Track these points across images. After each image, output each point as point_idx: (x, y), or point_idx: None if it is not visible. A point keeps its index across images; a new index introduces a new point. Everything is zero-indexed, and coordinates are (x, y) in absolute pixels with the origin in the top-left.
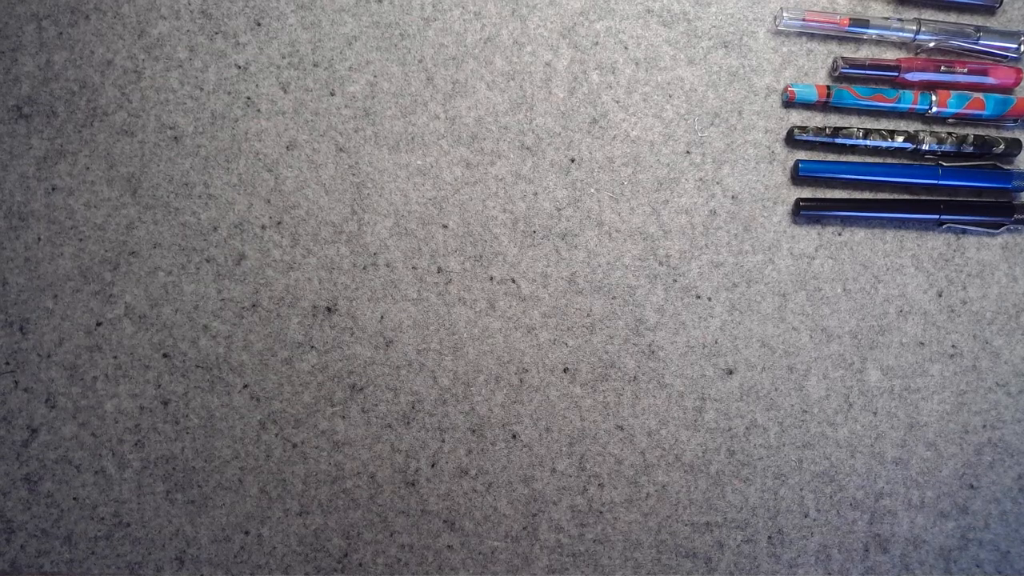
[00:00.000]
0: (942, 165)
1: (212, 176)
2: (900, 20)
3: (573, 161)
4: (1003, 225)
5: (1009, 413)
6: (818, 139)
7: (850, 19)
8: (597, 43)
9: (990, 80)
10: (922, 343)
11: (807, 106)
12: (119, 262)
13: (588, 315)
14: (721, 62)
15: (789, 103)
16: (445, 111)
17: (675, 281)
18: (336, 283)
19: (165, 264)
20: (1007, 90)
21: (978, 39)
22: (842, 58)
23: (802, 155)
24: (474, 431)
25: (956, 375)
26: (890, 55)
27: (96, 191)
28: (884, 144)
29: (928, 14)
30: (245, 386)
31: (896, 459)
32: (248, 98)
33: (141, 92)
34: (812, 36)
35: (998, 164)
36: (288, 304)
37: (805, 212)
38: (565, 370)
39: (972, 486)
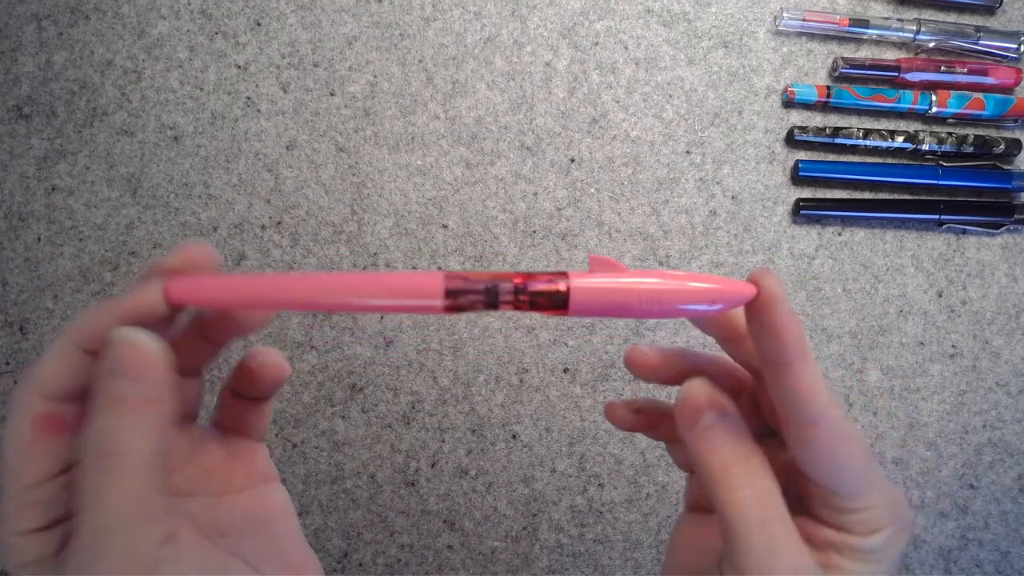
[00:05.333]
0: (942, 165)
1: (212, 176)
2: (900, 20)
3: (573, 161)
4: (1003, 225)
5: (1009, 413)
6: (818, 139)
7: (850, 19)
8: (597, 43)
9: (990, 80)
10: (922, 343)
11: (807, 106)
12: (119, 262)
13: None
14: (721, 62)
15: (789, 103)
16: (445, 111)
17: None
18: None
19: None
20: (1007, 90)
21: (978, 39)
22: (842, 58)
23: (802, 155)
24: (474, 431)
25: (956, 375)
26: (890, 55)
27: (96, 191)
28: (884, 144)
29: (928, 14)
30: None
31: (896, 459)
32: (248, 98)
33: (141, 92)
34: (812, 36)
35: (998, 164)
36: None
37: (805, 212)
38: (565, 370)
39: (972, 486)
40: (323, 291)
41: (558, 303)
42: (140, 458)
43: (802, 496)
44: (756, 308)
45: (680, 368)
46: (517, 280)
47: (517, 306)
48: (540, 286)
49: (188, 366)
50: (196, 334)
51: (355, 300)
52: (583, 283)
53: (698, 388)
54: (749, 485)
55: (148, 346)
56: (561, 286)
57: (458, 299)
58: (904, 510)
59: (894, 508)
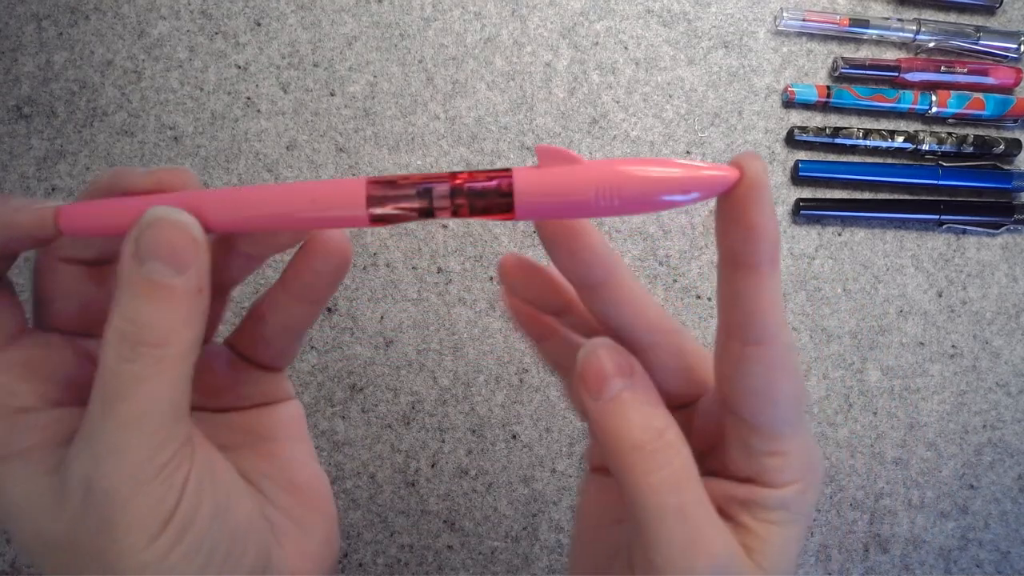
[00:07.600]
0: (942, 165)
1: (212, 176)
2: (900, 20)
3: None
4: (1003, 225)
5: (1009, 413)
6: (818, 139)
7: (850, 19)
8: (597, 43)
9: (990, 80)
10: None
11: (807, 106)
12: None
13: None
14: (721, 62)
15: (789, 103)
16: (445, 111)
17: (675, 281)
18: None
19: None
20: (1007, 90)
21: (978, 39)
22: (842, 58)
23: (802, 155)
24: (474, 431)
25: (956, 375)
26: (890, 55)
27: None
28: (884, 144)
29: (928, 14)
30: None
31: (896, 459)
32: (248, 98)
33: (141, 92)
34: (812, 36)
35: (998, 164)
36: None
37: (805, 212)
38: None
39: (972, 486)
40: (235, 206)
41: (502, 205)
42: (182, 351)
43: (715, 447)
44: (734, 197)
45: (549, 292)
46: (453, 180)
47: (456, 212)
48: (479, 184)
49: (220, 283)
50: (227, 248)
51: (269, 211)
52: (529, 177)
53: (603, 351)
54: (664, 467)
55: (193, 230)
56: (503, 183)
57: (385, 206)
58: (818, 467)
59: (809, 461)
